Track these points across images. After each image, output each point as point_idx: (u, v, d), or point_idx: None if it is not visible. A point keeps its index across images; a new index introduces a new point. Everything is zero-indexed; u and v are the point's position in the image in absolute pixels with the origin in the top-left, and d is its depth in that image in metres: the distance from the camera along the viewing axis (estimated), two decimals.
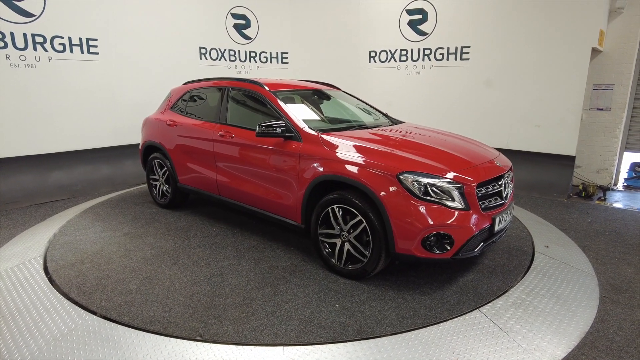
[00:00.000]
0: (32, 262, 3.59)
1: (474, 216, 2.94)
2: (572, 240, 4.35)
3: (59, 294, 3.06)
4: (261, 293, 3.06)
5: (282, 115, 3.68)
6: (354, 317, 2.75)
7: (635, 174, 6.72)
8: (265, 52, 8.63)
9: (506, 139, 6.81)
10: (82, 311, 2.84)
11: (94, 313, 2.82)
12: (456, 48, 7.15)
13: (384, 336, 2.57)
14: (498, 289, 3.18)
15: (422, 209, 2.85)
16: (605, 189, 6.09)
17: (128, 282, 3.23)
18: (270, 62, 8.74)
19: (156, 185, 5.13)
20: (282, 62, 8.83)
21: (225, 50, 8.09)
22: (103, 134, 6.53)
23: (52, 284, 3.21)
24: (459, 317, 2.79)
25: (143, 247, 3.90)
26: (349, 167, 3.10)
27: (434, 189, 2.88)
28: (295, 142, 3.49)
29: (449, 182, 2.90)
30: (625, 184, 6.80)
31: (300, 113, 3.77)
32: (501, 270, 3.48)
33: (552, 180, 6.33)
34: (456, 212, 2.88)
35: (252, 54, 8.48)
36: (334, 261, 3.33)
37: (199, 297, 2.99)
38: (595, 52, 6.22)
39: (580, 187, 6.17)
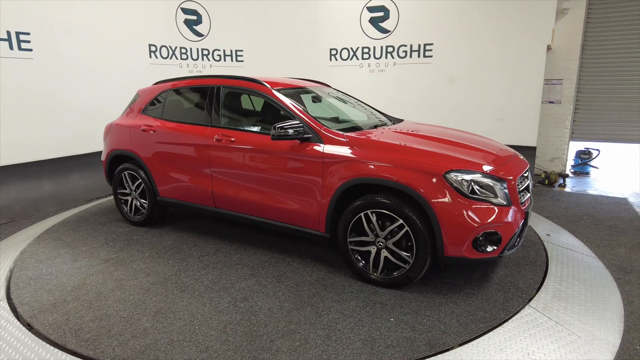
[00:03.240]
0: None
1: (516, 211, 2.89)
2: (561, 227, 4.57)
3: (51, 347, 2.44)
4: (302, 315, 2.72)
5: (294, 115, 3.34)
6: (417, 330, 2.55)
7: (581, 160, 7.36)
8: (219, 50, 8.07)
9: None
10: None
11: None
12: (419, 45, 7.26)
13: (457, 347, 2.40)
14: (533, 281, 3.18)
15: (472, 208, 2.73)
16: (564, 176, 6.57)
17: (137, 319, 2.69)
18: (224, 60, 8.19)
19: (127, 200, 4.45)
20: (236, 61, 8.32)
21: (176, 47, 7.40)
22: (44, 144, 5.58)
23: (34, 334, 2.57)
24: (515, 316, 2.71)
25: (135, 274, 3.32)
26: (388, 169, 2.88)
27: (479, 187, 2.78)
28: (315, 143, 3.18)
29: (494, 179, 2.82)
30: (572, 170, 7.43)
31: (312, 112, 3.46)
32: (525, 262, 3.50)
33: None
34: (502, 209, 2.81)
35: (205, 52, 7.88)
36: (368, 271, 3.09)
37: (234, 329, 2.57)
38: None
39: (543, 176, 6.60)
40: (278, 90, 3.56)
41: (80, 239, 4.10)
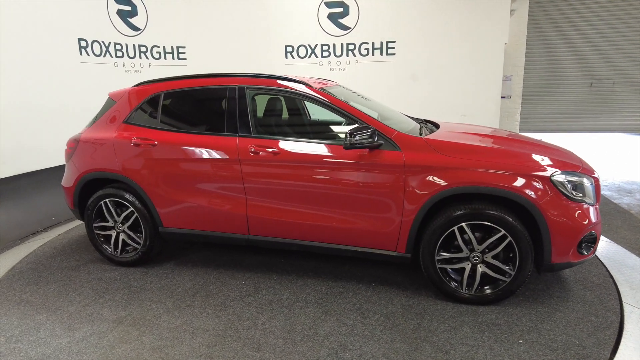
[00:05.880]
0: None
1: (598, 209, 2.84)
2: None
3: None
4: (427, 356, 2.29)
5: (357, 118, 2.87)
6: (556, 349, 2.31)
7: None
8: (158, 46, 6.99)
9: None
10: None
11: None
12: (381, 43, 7.15)
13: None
14: (603, 275, 3.19)
15: (577, 210, 2.60)
16: None
17: None
18: (165, 57, 7.13)
19: (109, 235, 3.46)
20: (178, 58, 7.30)
21: (110, 43, 6.18)
22: None
23: None
24: (625, 317, 2.65)
25: (175, 336, 2.52)
26: (491, 175, 2.59)
27: (575, 188, 2.65)
28: (390, 151, 2.75)
29: (587, 178, 2.71)
30: None
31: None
32: None
33: None
34: (593, 208, 2.72)
35: (143, 49, 6.75)
36: (462, 290, 2.77)
37: None
38: None
39: None
40: (324, 90, 3.04)
41: (57, 296, 3.04)
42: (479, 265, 2.72)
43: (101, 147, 3.34)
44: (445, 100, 7.05)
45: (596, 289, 2.98)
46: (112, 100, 3.52)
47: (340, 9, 7.14)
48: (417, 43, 6.97)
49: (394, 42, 7.07)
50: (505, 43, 6.75)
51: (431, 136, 2.91)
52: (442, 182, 2.64)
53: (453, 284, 2.77)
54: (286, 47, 7.47)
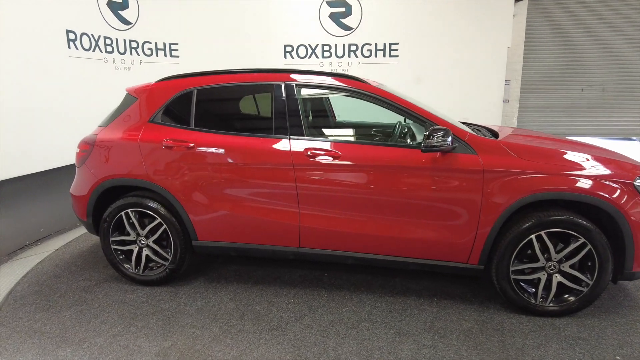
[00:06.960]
0: None
1: None
2: None
3: None
4: None
5: (427, 119, 2.65)
6: None
7: None
8: (150, 42, 6.48)
9: None
10: None
11: None
12: (384, 45, 7.00)
13: None
14: None
15: None
16: None
17: None
18: (157, 54, 6.63)
19: (130, 251, 3.03)
20: (171, 56, 6.81)
21: (99, 37, 5.64)
22: None
23: None
24: None
25: None
26: (576, 180, 2.43)
27: None
28: (465, 154, 2.54)
29: None
30: None
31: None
32: None
33: None
34: None
35: (134, 44, 6.23)
36: (536, 301, 2.60)
37: None
38: None
39: None
40: (384, 88, 2.80)
41: (77, 324, 2.59)
42: (554, 275, 2.56)
43: (124, 150, 2.91)
44: (447, 103, 6.96)
45: None
46: (131, 97, 3.10)
47: (343, 9, 6.94)
48: (421, 45, 6.88)
49: (397, 43, 6.94)
50: (508, 47, 6.78)
51: (504, 139, 2.73)
52: (524, 188, 2.45)
53: (533, 300, 2.59)
54: (285, 46, 7.16)
